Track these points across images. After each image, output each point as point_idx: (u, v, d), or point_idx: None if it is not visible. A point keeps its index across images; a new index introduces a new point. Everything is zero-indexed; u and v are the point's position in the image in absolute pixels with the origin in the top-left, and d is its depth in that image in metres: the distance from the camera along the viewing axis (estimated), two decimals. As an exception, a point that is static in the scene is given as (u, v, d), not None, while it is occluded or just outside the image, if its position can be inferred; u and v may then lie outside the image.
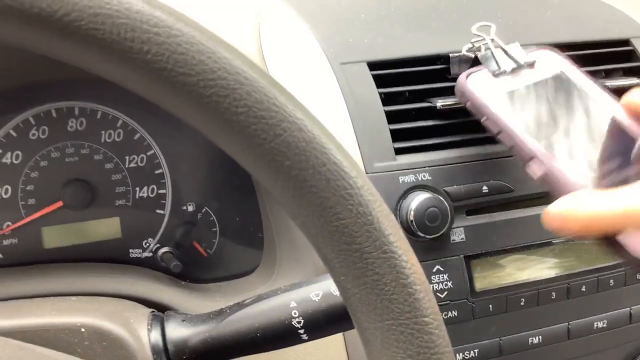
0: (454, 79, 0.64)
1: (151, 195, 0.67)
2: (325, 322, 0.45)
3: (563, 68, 0.63)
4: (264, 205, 0.66)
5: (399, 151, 0.62)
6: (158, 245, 0.67)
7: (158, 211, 0.67)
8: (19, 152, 0.63)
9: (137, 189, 0.67)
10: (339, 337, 0.60)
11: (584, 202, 0.46)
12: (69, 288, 0.58)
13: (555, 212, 0.47)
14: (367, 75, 0.64)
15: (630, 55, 0.75)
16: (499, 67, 0.61)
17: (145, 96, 0.30)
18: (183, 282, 0.65)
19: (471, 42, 0.65)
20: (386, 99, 0.63)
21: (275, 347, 0.47)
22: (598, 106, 0.60)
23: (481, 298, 0.62)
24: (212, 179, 0.69)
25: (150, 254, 0.67)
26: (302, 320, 0.45)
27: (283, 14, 0.71)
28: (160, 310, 0.51)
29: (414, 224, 0.59)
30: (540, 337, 0.64)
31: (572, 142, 0.58)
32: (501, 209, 0.64)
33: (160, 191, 0.67)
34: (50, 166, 0.64)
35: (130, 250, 0.66)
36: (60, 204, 0.64)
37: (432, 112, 0.64)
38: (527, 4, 0.81)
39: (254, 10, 0.71)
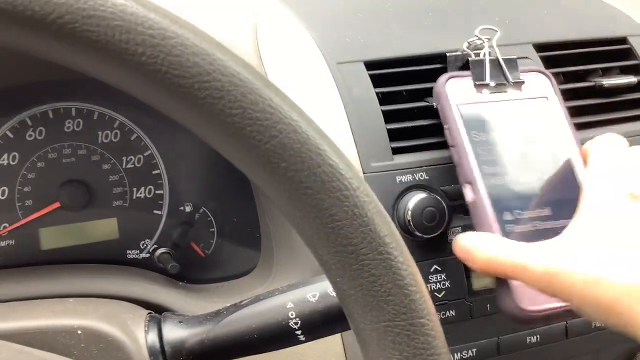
0: (451, 78, 0.64)
1: (148, 196, 0.67)
2: (322, 323, 0.45)
3: (548, 97, 0.63)
4: (261, 206, 0.66)
5: (396, 151, 0.62)
6: (155, 246, 0.67)
7: (155, 212, 0.67)
8: (16, 153, 0.63)
9: (135, 189, 0.67)
10: (336, 337, 0.60)
11: (488, 245, 0.51)
12: (66, 289, 0.58)
13: (462, 245, 0.53)
14: (364, 75, 0.64)
15: (627, 54, 0.75)
16: (483, 79, 0.61)
17: (141, 98, 0.30)
18: (180, 283, 0.65)
19: (468, 42, 0.65)
20: (383, 99, 0.63)
21: (272, 348, 0.47)
22: (559, 149, 0.61)
23: (479, 297, 0.62)
24: (210, 179, 0.69)
25: (148, 255, 0.67)
26: (299, 321, 0.45)
27: (280, 14, 0.71)
28: (158, 311, 0.51)
29: (411, 223, 0.59)
30: (538, 336, 0.64)
31: (515, 178, 0.59)
32: (498, 208, 0.64)
33: (158, 192, 0.67)
34: (47, 167, 0.64)
35: (128, 251, 0.66)
36: (57, 205, 0.64)
37: (429, 112, 0.64)
38: (524, 2, 0.81)
39: (251, 10, 0.71)
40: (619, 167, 0.53)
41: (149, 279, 0.62)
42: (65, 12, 0.27)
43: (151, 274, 0.64)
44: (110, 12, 0.27)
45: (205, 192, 0.69)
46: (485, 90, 0.61)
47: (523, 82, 0.62)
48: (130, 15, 0.28)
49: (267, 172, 0.30)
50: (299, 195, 0.31)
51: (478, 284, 0.62)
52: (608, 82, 0.71)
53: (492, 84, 0.61)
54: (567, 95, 0.70)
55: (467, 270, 0.62)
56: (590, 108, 0.71)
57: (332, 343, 0.59)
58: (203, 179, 0.69)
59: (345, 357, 0.60)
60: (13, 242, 0.64)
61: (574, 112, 0.69)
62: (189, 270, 0.67)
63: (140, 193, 0.67)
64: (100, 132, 0.65)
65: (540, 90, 0.63)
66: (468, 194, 0.58)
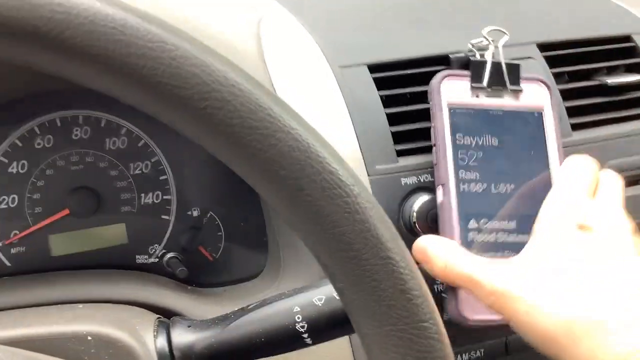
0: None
1: (156, 201, 0.68)
2: (329, 326, 0.46)
3: (543, 109, 0.63)
4: (268, 210, 0.67)
5: (400, 153, 0.62)
6: (164, 250, 0.67)
7: (163, 217, 0.68)
8: (25, 162, 0.64)
9: (142, 195, 0.67)
10: (344, 339, 0.60)
11: (447, 253, 0.53)
12: (77, 295, 0.58)
13: (421, 247, 0.54)
14: (368, 77, 0.64)
15: (632, 52, 0.75)
16: (480, 82, 0.61)
17: (142, 110, 0.31)
18: (189, 287, 0.65)
19: (472, 43, 0.65)
20: (387, 101, 0.64)
21: (279, 352, 0.47)
22: (539, 165, 0.61)
23: (486, 298, 0.62)
24: (217, 183, 0.69)
25: (157, 260, 0.67)
26: (306, 325, 0.45)
27: (283, 18, 0.71)
28: (167, 316, 0.52)
29: (417, 225, 0.59)
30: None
31: (488, 187, 0.59)
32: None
33: (165, 197, 0.68)
34: (55, 175, 0.65)
35: (137, 256, 0.67)
36: (66, 211, 0.65)
37: (433, 113, 0.64)
38: (527, 1, 0.81)
39: (254, 15, 0.71)
40: (575, 196, 0.54)
41: (157, 284, 0.63)
42: (66, 27, 0.27)
43: (160, 279, 0.65)
44: (111, 27, 0.28)
45: (213, 196, 0.69)
46: (481, 94, 0.61)
47: (521, 91, 0.62)
48: (130, 28, 0.28)
49: (268, 180, 0.31)
50: (300, 202, 0.31)
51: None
52: (613, 80, 0.71)
53: (490, 88, 0.61)
54: (572, 94, 0.70)
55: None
56: (595, 107, 0.71)
57: (340, 345, 0.60)
58: (210, 184, 0.69)
59: (354, 359, 0.61)
60: (24, 249, 0.65)
61: (579, 111, 0.69)
62: (197, 274, 0.67)
63: (148, 199, 0.67)
64: (107, 139, 0.66)
65: (537, 101, 0.63)
66: (439, 195, 0.59)
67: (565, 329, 0.46)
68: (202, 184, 0.69)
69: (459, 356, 0.61)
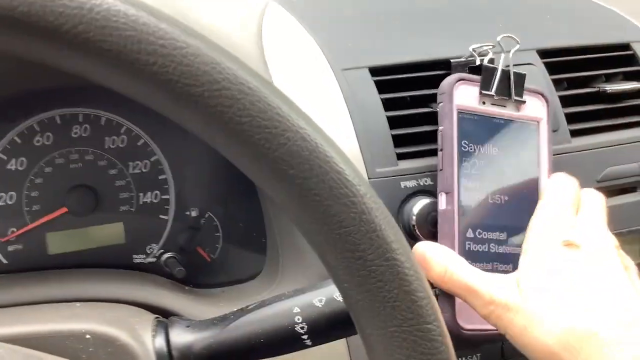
0: (456, 85, 0.64)
1: (155, 201, 0.67)
2: (329, 327, 0.46)
3: (540, 122, 0.63)
4: (267, 210, 0.67)
5: (400, 156, 0.62)
6: (162, 250, 0.67)
7: (162, 216, 0.68)
8: (24, 159, 0.64)
9: (141, 194, 0.67)
10: (341, 340, 0.60)
11: (447, 261, 0.54)
12: (74, 294, 0.58)
13: (419, 253, 0.55)
14: (369, 81, 0.64)
15: (630, 59, 0.76)
16: (489, 89, 0.61)
17: (151, 106, 0.31)
18: (187, 287, 0.65)
19: (473, 48, 0.65)
20: (388, 105, 0.64)
21: (278, 353, 0.47)
22: (530, 177, 0.62)
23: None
24: (216, 184, 0.69)
25: (154, 260, 0.67)
26: (306, 326, 0.45)
27: (285, 21, 0.71)
28: (164, 316, 0.52)
29: (416, 228, 0.59)
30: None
31: (486, 197, 0.60)
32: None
33: (164, 197, 0.68)
34: (54, 172, 0.64)
35: (134, 256, 0.67)
36: (64, 210, 0.65)
37: (433, 117, 0.64)
38: (527, 8, 0.82)
39: (256, 18, 0.71)
40: (560, 213, 0.56)
41: (155, 284, 0.62)
42: (78, 22, 0.27)
43: (157, 279, 0.64)
44: (123, 22, 0.28)
45: (211, 196, 0.69)
46: (487, 101, 0.61)
47: (524, 102, 0.62)
48: (142, 25, 0.28)
49: (276, 179, 0.31)
50: (308, 201, 0.31)
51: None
52: (611, 88, 0.71)
53: (496, 97, 0.61)
54: (570, 101, 0.70)
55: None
56: (594, 114, 0.71)
57: (337, 347, 0.60)
58: (209, 184, 0.69)
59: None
60: (21, 246, 0.64)
61: (577, 118, 0.70)
62: (195, 274, 0.67)
63: (147, 198, 0.67)
64: (107, 138, 0.66)
65: (536, 112, 0.63)
66: (442, 202, 0.59)
67: (562, 342, 0.47)
68: (201, 184, 0.69)
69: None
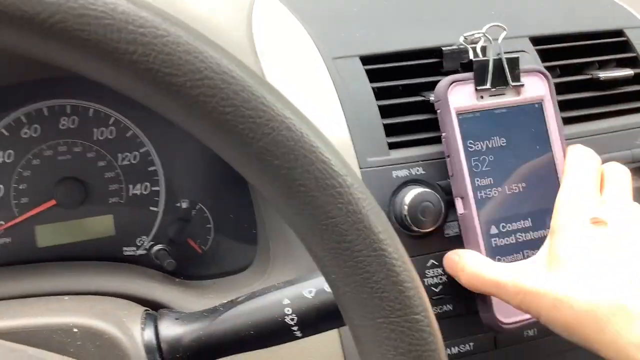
0: (447, 73, 0.64)
1: (145, 193, 0.67)
2: (319, 318, 0.45)
3: (544, 99, 0.63)
4: (257, 202, 0.66)
5: (392, 145, 0.62)
6: (152, 242, 0.67)
7: (152, 208, 0.67)
8: (11, 151, 0.63)
9: (131, 186, 0.66)
10: (334, 332, 0.60)
11: (472, 264, 0.57)
12: (63, 287, 0.57)
13: (449, 261, 0.59)
14: (360, 69, 0.64)
15: (623, 46, 0.75)
16: (485, 84, 0.61)
17: (133, 97, 0.30)
18: (177, 280, 0.64)
19: (464, 36, 0.64)
20: (379, 94, 0.63)
21: (268, 345, 0.47)
22: (545, 158, 0.62)
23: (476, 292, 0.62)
24: (206, 175, 0.69)
25: (144, 252, 0.66)
26: (296, 317, 0.45)
27: (275, 10, 0.70)
28: (154, 308, 0.51)
29: (407, 218, 0.59)
30: (535, 329, 0.64)
31: (503, 189, 0.61)
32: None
33: (154, 188, 0.67)
34: (42, 165, 0.64)
35: (124, 248, 0.66)
36: (53, 202, 0.64)
37: (425, 106, 0.64)
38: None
39: (246, 7, 0.70)
40: (586, 191, 0.56)
41: (145, 276, 0.62)
42: (55, 11, 0.27)
43: (148, 271, 0.64)
44: (101, 10, 0.27)
45: (202, 188, 0.69)
46: (485, 94, 0.61)
47: (522, 85, 0.62)
48: (121, 13, 0.28)
49: (261, 170, 0.30)
50: (293, 192, 0.31)
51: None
52: (604, 75, 0.71)
53: (493, 89, 0.61)
54: (563, 88, 0.70)
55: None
56: (587, 101, 0.71)
57: (330, 339, 0.60)
58: (199, 175, 0.69)
59: (343, 352, 0.60)
60: (9, 239, 0.64)
61: (570, 105, 0.69)
62: (186, 266, 0.67)
63: (137, 190, 0.67)
64: (95, 129, 0.65)
65: (537, 91, 0.63)
66: (459, 207, 0.60)
67: (589, 316, 0.48)
68: (191, 175, 0.68)
69: (448, 349, 0.61)
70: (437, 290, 0.61)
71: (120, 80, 0.29)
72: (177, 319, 0.47)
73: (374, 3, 0.74)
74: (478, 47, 0.63)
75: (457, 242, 0.61)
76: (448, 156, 0.60)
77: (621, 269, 0.50)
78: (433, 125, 0.62)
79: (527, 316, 0.57)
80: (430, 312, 0.33)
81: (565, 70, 0.72)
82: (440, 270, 0.61)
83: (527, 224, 0.61)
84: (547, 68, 0.68)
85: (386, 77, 0.64)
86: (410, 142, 0.63)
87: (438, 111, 0.60)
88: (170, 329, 0.46)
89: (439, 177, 0.61)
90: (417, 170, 0.61)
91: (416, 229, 0.59)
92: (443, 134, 0.60)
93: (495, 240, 0.60)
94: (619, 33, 0.76)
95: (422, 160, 0.62)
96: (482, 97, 0.61)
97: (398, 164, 0.61)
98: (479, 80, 0.61)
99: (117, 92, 0.30)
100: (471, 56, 0.63)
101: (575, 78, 0.71)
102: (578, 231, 0.53)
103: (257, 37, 0.67)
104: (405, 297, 0.32)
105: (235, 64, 0.30)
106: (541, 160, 0.62)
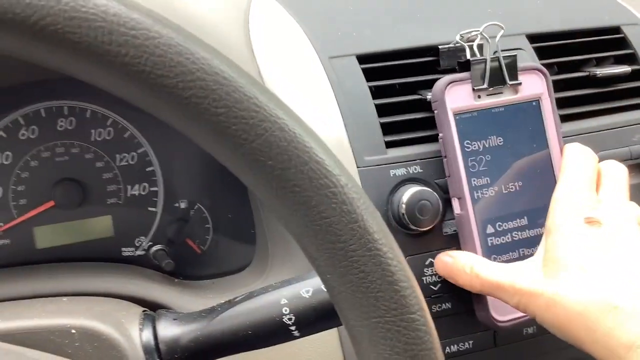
0: (444, 71, 0.64)
1: (143, 193, 0.67)
2: (316, 318, 0.45)
3: (542, 97, 0.63)
4: (255, 202, 0.66)
5: (389, 144, 0.62)
6: (151, 243, 0.67)
7: (150, 209, 0.67)
8: (9, 153, 0.63)
9: (129, 187, 0.66)
10: (333, 332, 0.60)
11: (471, 265, 0.56)
12: (62, 288, 0.57)
13: (442, 263, 0.59)
14: (357, 68, 0.64)
15: (620, 43, 0.75)
16: (482, 83, 0.61)
17: (125, 99, 0.30)
18: (176, 280, 0.64)
19: (461, 34, 0.64)
20: (376, 92, 0.63)
21: (267, 344, 0.47)
22: (541, 155, 0.62)
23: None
24: (204, 175, 0.69)
25: (143, 252, 0.66)
26: (293, 317, 0.45)
27: (272, 9, 0.70)
28: (153, 309, 0.51)
29: (405, 217, 0.59)
30: (534, 327, 0.64)
31: (499, 188, 0.61)
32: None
33: (152, 189, 0.67)
34: (40, 166, 0.64)
35: (123, 249, 0.66)
36: (51, 203, 0.64)
37: (422, 105, 0.64)
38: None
39: (242, 6, 0.70)
40: (581, 190, 0.56)
41: (144, 277, 0.62)
42: (46, 14, 0.27)
43: (146, 271, 0.64)
44: (92, 13, 0.27)
45: (200, 188, 0.68)
46: (482, 94, 0.61)
47: (520, 84, 0.62)
48: (113, 16, 0.28)
49: (254, 171, 0.30)
50: (287, 193, 0.31)
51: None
52: (602, 72, 0.71)
53: (490, 88, 0.61)
54: (561, 85, 0.70)
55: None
56: (584, 98, 0.71)
57: (329, 338, 0.60)
58: (198, 175, 0.69)
59: (342, 351, 0.60)
60: (8, 241, 0.64)
61: (568, 102, 0.69)
62: (185, 266, 0.67)
63: (135, 190, 0.67)
64: (93, 130, 0.65)
65: (535, 89, 0.63)
66: (456, 207, 0.60)
67: (581, 316, 0.48)
68: (189, 175, 0.68)
69: (447, 347, 0.61)
70: (435, 288, 0.61)
71: (112, 82, 0.29)
72: (175, 319, 0.47)
73: (370, 2, 0.74)
74: (475, 45, 0.63)
75: (455, 240, 0.61)
76: (445, 157, 0.60)
77: (614, 269, 0.50)
78: (430, 123, 0.62)
79: (522, 314, 0.57)
80: (426, 311, 0.33)
81: (563, 68, 0.71)
82: (438, 269, 0.61)
83: (522, 222, 0.61)
84: (544, 66, 0.68)
85: (383, 75, 0.64)
86: (408, 141, 0.63)
87: (435, 112, 0.60)
88: (169, 330, 0.46)
89: (437, 176, 0.61)
90: (415, 169, 0.61)
91: (414, 227, 0.59)
92: (440, 135, 0.60)
93: (491, 240, 0.60)
94: (616, 30, 0.76)
95: (419, 159, 0.62)
96: (479, 96, 0.61)
97: (395, 162, 0.61)
98: (477, 80, 0.61)
99: (114, 93, 0.30)
100: (468, 54, 0.63)
101: (573, 75, 0.71)
102: (572, 231, 0.53)
103: (254, 37, 0.67)
104: (400, 297, 0.32)
105: (227, 65, 0.30)
106: (538, 158, 0.62)
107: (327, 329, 0.47)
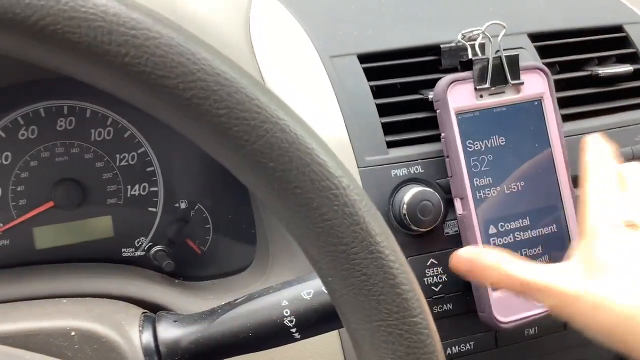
0: (445, 71, 0.64)
1: (143, 193, 0.67)
2: (317, 320, 0.45)
3: (543, 96, 0.63)
4: (256, 202, 0.66)
5: (390, 144, 0.62)
6: (151, 243, 0.66)
7: (150, 209, 0.67)
8: (9, 153, 0.63)
9: (129, 187, 0.66)
10: (334, 334, 0.59)
11: (501, 261, 0.53)
12: (62, 289, 0.57)
13: (465, 258, 0.54)
14: (358, 68, 0.64)
15: (623, 42, 0.75)
16: (485, 82, 0.60)
17: (126, 99, 0.30)
18: (176, 281, 0.64)
19: (462, 33, 0.64)
20: (377, 92, 0.63)
21: (267, 347, 0.46)
22: (544, 154, 0.62)
23: (476, 290, 0.62)
24: (205, 175, 0.68)
25: (143, 253, 0.66)
26: (294, 319, 0.45)
27: (273, 8, 0.70)
28: (153, 310, 0.51)
29: (406, 217, 0.59)
30: (536, 327, 0.64)
31: (502, 189, 0.61)
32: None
33: (152, 189, 0.67)
34: (40, 166, 0.64)
35: (123, 250, 0.66)
36: (51, 204, 0.64)
37: (424, 104, 0.64)
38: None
39: (243, 6, 0.70)
40: (611, 190, 0.54)
41: (144, 277, 0.62)
42: (46, 14, 0.26)
43: (146, 272, 0.64)
44: (92, 12, 0.27)
45: (201, 188, 0.68)
46: (484, 93, 0.61)
47: (522, 83, 0.62)
48: (113, 15, 0.27)
49: (255, 172, 0.30)
50: (288, 194, 0.30)
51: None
52: (604, 71, 0.70)
53: (492, 87, 0.61)
54: (563, 85, 0.69)
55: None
56: (587, 98, 0.70)
57: (330, 340, 0.59)
58: (198, 176, 0.68)
59: (344, 353, 0.60)
60: (8, 241, 0.64)
61: (570, 101, 0.69)
62: (185, 267, 0.66)
63: (135, 190, 0.66)
64: (93, 130, 0.65)
65: (537, 89, 0.63)
66: (458, 207, 0.60)
67: (630, 321, 0.47)
68: (189, 175, 0.68)
69: (448, 349, 0.61)
70: (436, 289, 0.61)
71: (112, 82, 0.29)
72: (175, 321, 0.47)
73: (371, 1, 0.74)
74: (476, 44, 0.63)
75: (457, 240, 0.61)
76: (447, 157, 0.60)
77: None
78: (432, 123, 0.62)
79: (525, 315, 0.57)
80: (428, 314, 0.33)
81: (565, 67, 0.71)
82: (440, 270, 0.61)
83: (525, 222, 0.61)
84: (546, 65, 0.68)
85: (384, 75, 0.64)
86: (409, 141, 0.62)
87: (437, 111, 0.60)
88: (169, 332, 0.46)
89: (438, 176, 0.61)
90: (416, 169, 0.61)
91: (415, 228, 0.59)
92: (442, 135, 0.60)
93: (493, 240, 0.60)
94: (618, 29, 0.75)
95: (421, 159, 0.61)
96: (481, 96, 0.60)
97: (397, 162, 0.61)
98: (479, 80, 0.60)
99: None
100: (469, 54, 0.63)
101: (575, 75, 0.71)
102: (612, 233, 0.51)
103: (254, 36, 0.67)
104: (402, 300, 0.32)
105: (228, 66, 0.30)
106: (540, 158, 0.62)
107: (328, 331, 0.47)
